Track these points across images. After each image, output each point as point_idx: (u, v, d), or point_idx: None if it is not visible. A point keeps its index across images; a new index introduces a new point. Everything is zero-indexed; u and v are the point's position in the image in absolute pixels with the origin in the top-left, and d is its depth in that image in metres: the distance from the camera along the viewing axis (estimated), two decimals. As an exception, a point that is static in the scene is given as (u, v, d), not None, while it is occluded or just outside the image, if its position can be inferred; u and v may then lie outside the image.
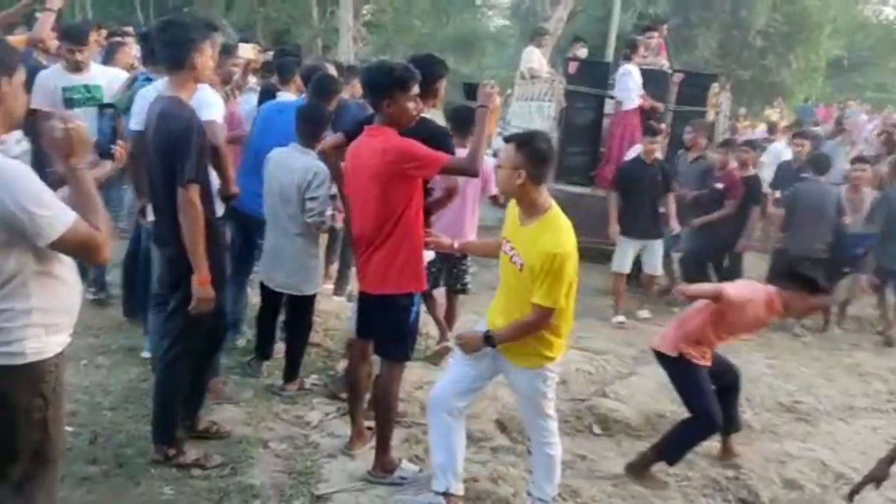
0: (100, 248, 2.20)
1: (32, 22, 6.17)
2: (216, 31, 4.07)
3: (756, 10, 24.39)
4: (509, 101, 11.20)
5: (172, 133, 3.27)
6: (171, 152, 3.26)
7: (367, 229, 3.64)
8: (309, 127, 4.39)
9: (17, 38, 5.17)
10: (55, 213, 2.10)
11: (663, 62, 9.60)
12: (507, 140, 3.44)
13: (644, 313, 7.20)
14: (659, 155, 7.23)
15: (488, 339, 3.39)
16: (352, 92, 6.29)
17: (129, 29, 8.33)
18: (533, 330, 3.34)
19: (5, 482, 2.30)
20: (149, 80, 4.60)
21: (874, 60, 31.87)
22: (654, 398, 5.05)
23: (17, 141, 2.68)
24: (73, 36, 5.08)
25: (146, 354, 4.70)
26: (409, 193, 3.57)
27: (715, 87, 9.07)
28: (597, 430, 4.75)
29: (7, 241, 2.09)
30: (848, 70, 30.91)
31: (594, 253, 8.43)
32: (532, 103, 9.56)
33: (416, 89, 3.54)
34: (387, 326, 3.73)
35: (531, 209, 3.34)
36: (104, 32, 7.45)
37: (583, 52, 10.02)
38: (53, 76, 5.00)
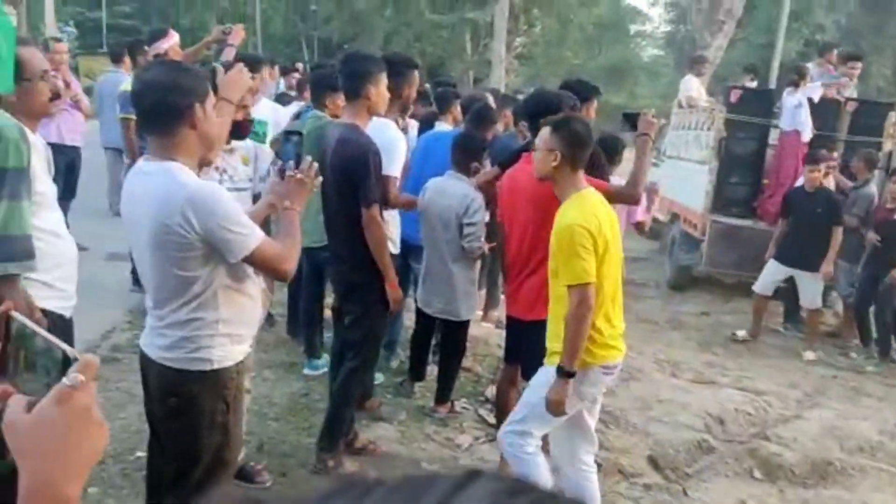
0: (285, 261, 2.36)
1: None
2: (415, 68, 4.24)
3: (938, 35, 22.68)
4: (664, 132, 10.94)
5: (352, 157, 3.46)
6: (351, 175, 3.45)
7: (521, 254, 3.67)
8: (465, 155, 4.49)
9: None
10: (248, 232, 2.26)
11: (848, 91, 8.96)
12: (545, 124, 3.32)
13: (809, 355, 6.77)
14: (830, 184, 6.84)
15: (563, 373, 3.02)
16: (505, 122, 6.38)
17: (299, 65, 8.85)
18: (582, 319, 2.96)
19: (187, 482, 2.47)
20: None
21: None
22: (821, 444, 4.73)
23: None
24: (247, 62, 5.44)
25: (307, 371, 4.95)
26: None
27: (892, 116, 8.44)
28: (757, 474, 4.50)
29: (204, 256, 2.26)
30: None
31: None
32: (689, 132, 9.30)
33: None
34: (537, 352, 3.71)
35: (565, 193, 3.21)
36: (277, 69, 7.98)
37: (752, 84, 9.68)
38: None
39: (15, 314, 1.12)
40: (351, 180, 3.46)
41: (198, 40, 5.75)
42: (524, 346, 3.78)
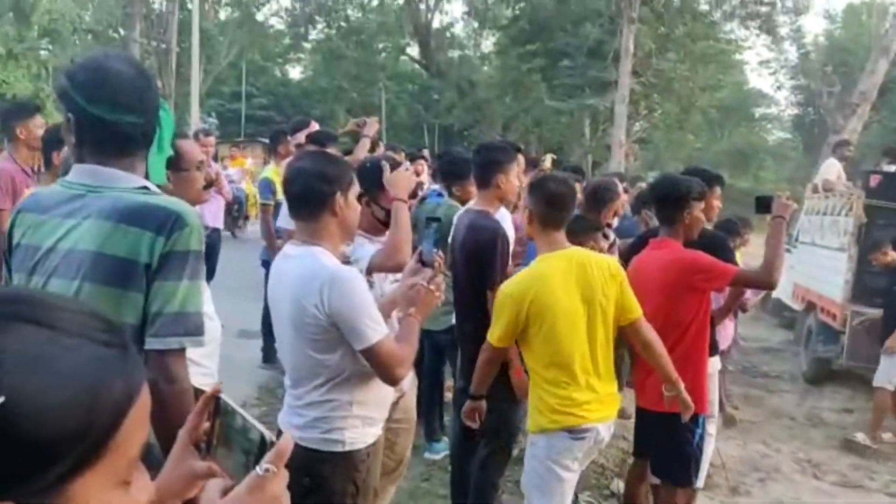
0: (399, 365, 2.33)
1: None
2: (519, 152, 4.30)
3: None
4: (796, 216, 10.52)
5: (480, 242, 3.52)
6: (479, 258, 3.50)
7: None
8: (574, 236, 4.40)
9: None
10: (374, 326, 2.28)
11: None
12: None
13: None
14: None
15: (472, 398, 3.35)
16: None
17: (425, 152, 9.17)
18: (483, 365, 3.24)
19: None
20: (440, 195, 5.01)
21: None
22: None
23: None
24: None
25: (427, 455, 4.91)
26: (697, 306, 3.52)
27: None
28: None
29: (337, 338, 2.31)
30: None
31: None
32: (825, 218, 8.90)
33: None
34: (667, 447, 3.56)
35: (539, 253, 3.12)
36: (402, 154, 8.29)
37: (892, 168, 9.24)
38: None
39: (223, 397, 1.17)
40: (479, 263, 3.51)
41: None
42: (654, 439, 3.63)
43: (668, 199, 3.65)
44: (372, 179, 3.06)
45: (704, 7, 21.19)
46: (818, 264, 8.78)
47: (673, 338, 3.48)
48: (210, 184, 3.13)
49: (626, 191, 6.19)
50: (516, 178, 3.71)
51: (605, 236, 4.39)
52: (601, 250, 4.28)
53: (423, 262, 2.55)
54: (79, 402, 0.69)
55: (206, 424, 1.16)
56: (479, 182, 3.71)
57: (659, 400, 3.52)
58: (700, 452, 3.70)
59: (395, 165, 3.16)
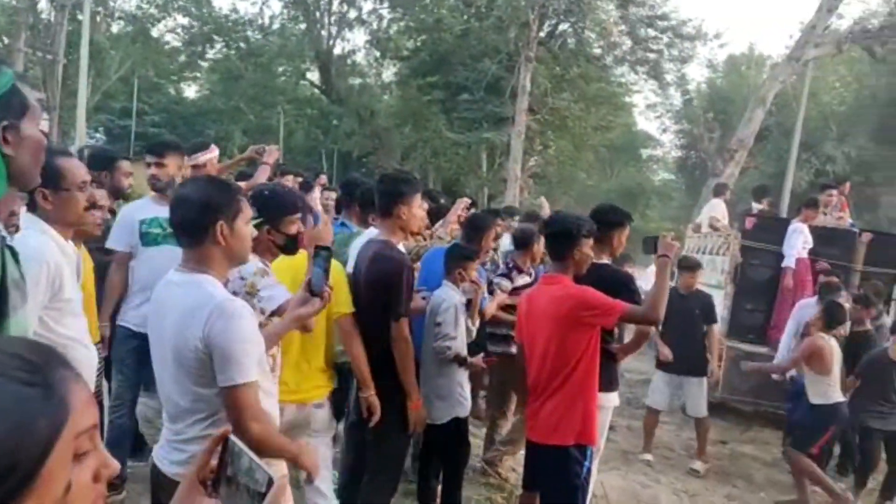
0: (254, 419, 2.15)
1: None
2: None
3: (946, 169, 23.11)
4: (678, 254, 11.02)
5: (385, 273, 3.49)
6: (384, 289, 3.47)
7: (542, 376, 3.63)
8: (452, 263, 4.46)
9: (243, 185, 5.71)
10: (249, 366, 2.15)
11: (846, 221, 9.18)
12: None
13: (697, 465, 6.61)
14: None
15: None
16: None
17: (323, 177, 9.08)
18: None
19: None
20: (343, 225, 4.96)
21: None
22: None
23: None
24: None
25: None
26: (587, 341, 3.58)
27: (908, 247, 8.51)
28: None
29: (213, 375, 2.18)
30: None
31: (771, 417, 7.89)
32: (704, 256, 9.35)
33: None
34: (556, 480, 3.60)
35: None
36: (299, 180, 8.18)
37: (759, 206, 9.88)
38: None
39: (233, 437, 1.23)
40: (382, 294, 3.47)
41: (224, 151, 5.91)
42: (543, 472, 3.66)
43: (559, 237, 3.73)
44: (272, 207, 3.01)
45: (597, 51, 22.12)
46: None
47: (564, 372, 3.55)
48: (94, 205, 2.99)
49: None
50: (419, 208, 3.71)
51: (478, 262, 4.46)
52: (472, 279, 4.34)
53: (312, 292, 2.49)
54: (3, 445, 0.74)
55: (214, 463, 1.22)
56: (382, 212, 3.68)
57: (550, 433, 3.57)
58: (587, 485, 3.76)
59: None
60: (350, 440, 4.07)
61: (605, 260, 4.20)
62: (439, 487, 4.75)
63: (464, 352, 4.22)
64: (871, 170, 23.38)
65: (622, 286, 3.89)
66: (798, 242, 8.12)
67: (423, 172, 23.09)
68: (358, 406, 3.68)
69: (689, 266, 6.91)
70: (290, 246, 3.03)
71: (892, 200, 23.10)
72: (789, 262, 8.12)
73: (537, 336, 3.68)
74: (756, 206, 9.83)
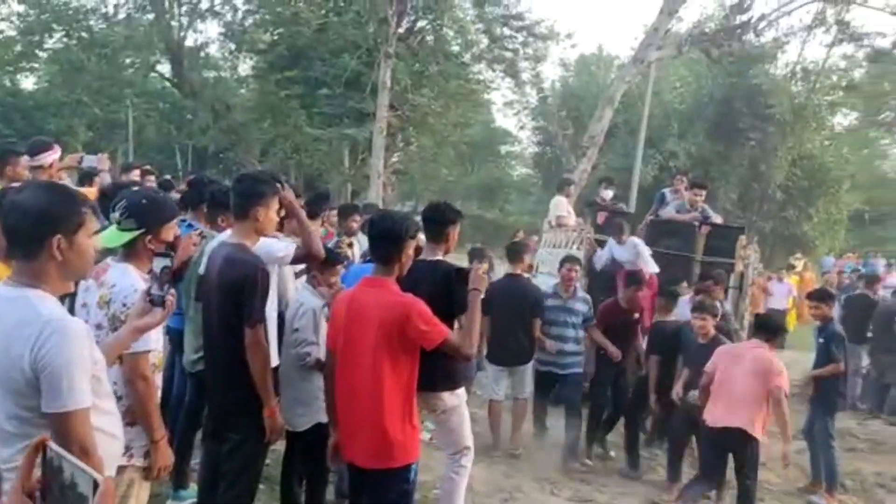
0: (83, 450, 2.02)
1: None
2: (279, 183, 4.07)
3: (775, 165, 25.11)
4: (535, 248, 11.36)
5: (239, 277, 3.36)
6: (237, 294, 3.34)
7: (362, 387, 3.35)
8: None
9: (88, 190, 5.19)
10: (81, 391, 2.02)
11: (707, 214, 9.55)
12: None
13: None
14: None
15: None
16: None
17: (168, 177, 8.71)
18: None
19: None
20: (190, 226, 4.76)
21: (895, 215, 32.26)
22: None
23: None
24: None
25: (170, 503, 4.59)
26: (414, 351, 3.40)
27: (742, 239, 9.15)
28: None
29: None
30: (870, 223, 31.23)
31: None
32: (561, 251, 9.67)
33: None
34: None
35: None
36: (152, 178, 7.80)
37: (608, 192, 10.37)
38: None
39: (51, 445, 1.21)
40: (237, 299, 3.35)
41: (66, 147, 5.53)
42: (366, 495, 3.53)
43: (386, 239, 3.50)
44: (150, 215, 2.90)
45: (455, 48, 22.42)
46: (555, 293, 9.49)
47: (391, 378, 3.32)
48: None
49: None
50: (275, 212, 3.60)
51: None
52: (330, 282, 4.30)
53: (153, 302, 2.37)
54: None
55: (38, 473, 1.20)
56: (237, 213, 3.54)
57: (379, 456, 3.37)
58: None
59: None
60: (206, 452, 3.93)
61: (440, 256, 4.21)
62: (303, 495, 4.69)
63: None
64: (708, 165, 25.03)
65: (455, 281, 3.91)
66: (645, 251, 8.34)
67: (285, 168, 22.60)
68: (212, 417, 3.56)
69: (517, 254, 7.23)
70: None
71: (727, 193, 24.86)
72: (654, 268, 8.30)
73: (362, 338, 3.37)
74: (604, 193, 10.33)
